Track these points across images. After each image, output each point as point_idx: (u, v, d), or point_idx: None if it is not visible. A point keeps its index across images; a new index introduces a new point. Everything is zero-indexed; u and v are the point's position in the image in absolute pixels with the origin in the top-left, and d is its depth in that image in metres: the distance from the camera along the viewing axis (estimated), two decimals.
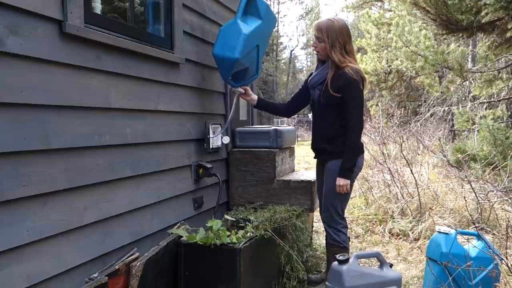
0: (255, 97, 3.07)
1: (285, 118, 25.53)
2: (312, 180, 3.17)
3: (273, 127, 3.39)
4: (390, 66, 11.71)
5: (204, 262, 2.35)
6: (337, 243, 2.77)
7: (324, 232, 3.00)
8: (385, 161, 5.39)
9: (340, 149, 2.71)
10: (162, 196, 2.52)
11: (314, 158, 3.00)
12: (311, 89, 2.88)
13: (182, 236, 2.41)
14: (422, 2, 5.58)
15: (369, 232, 4.50)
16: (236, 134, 3.39)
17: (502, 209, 4.29)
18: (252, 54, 2.84)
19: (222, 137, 3.11)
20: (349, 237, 3.12)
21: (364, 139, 7.36)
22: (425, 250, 2.95)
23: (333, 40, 2.68)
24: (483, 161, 5.33)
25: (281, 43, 38.17)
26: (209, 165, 2.91)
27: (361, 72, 2.72)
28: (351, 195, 5.53)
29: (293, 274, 2.79)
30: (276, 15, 38.85)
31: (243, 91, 3.00)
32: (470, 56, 9.18)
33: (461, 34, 5.67)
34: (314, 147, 2.94)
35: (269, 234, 2.60)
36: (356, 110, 2.69)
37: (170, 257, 2.33)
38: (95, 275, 1.91)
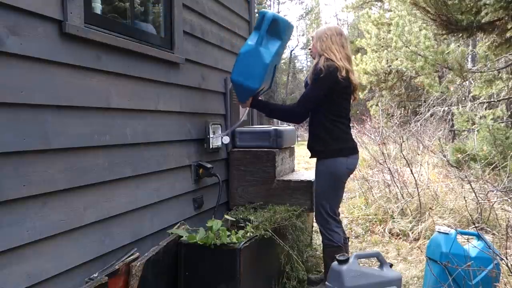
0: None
1: None
2: (312, 180, 3.17)
3: (273, 127, 3.38)
4: (390, 66, 11.70)
5: (204, 262, 2.35)
6: (332, 242, 2.76)
7: None
8: (385, 161, 5.39)
9: (328, 148, 2.71)
10: (162, 196, 2.52)
11: (310, 157, 3.01)
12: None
13: (182, 236, 2.41)
14: (422, 2, 5.57)
15: (369, 232, 4.50)
16: (236, 134, 3.39)
17: (502, 209, 4.29)
18: (270, 74, 2.85)
19: (222, 137, 3.11)
20: (348, 237, 3.12)
21: (364, 139, 7.36)
22: (425, 250, 2.95)
23: (320, 35, 2.78)
24: (483, 161, 5.33)
25: None
26: (209, 165, 2.91)
27: (334, 66, 2.65)
28: (351, 195, 5.57)
29: (293, 274, 2.79)
30: None
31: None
32: (470, 56, 9.17)
33: (461, 34, 5.65)
34: (307, 145, 2.95)
35: (269, 234, 2.60)
36: (305, 95, 2.71)
37: (170, 257, 2.33)
38: (95, 275, 1.91)
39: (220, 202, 3.06)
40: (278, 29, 2.71)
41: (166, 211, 2.57)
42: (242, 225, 2.77)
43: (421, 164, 5.75)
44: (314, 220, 3.17)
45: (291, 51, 40.00)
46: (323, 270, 3.25)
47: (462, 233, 2.83)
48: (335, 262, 2.36)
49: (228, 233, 2.41)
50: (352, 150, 2.79)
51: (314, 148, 2.82)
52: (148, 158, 2.39)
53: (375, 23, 12.32)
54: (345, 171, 2.75)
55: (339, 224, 2.85)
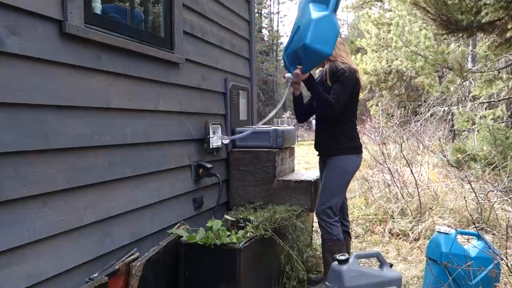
0: (301, 87, 2.94)
1: (285, 119, 25.54)
2: (312, 180, 3.17)
3: (273, 127, 3.38)
4: (390, 66, 11.69)
5: (204, 262, 2.35)
6: (331, 236, 2.80)
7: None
8: (385, 161, 5.38)
9: (343, 146, 2.82)
10: (162, 196, 2.52)
11: (318, 155, 3.06)
12: None
13: (182, 236, 2.41)
14: (422, 2, 5.57)
15: (369, 232, 4.50)
16: (236, 134, 3.39)
17: (502, 209, 4.28)
18: None
19: (222, 137, 3.11)
20: (350, 237, 3.13)
21: (364, 139, 7.36)
22: (425, 250, 2.95)
23: None
24: (483, 161, 5.33)
25: (281, 43, 38.17)
26: (209, 165, 2.91)
27: (353, 68, 2.82)
28: (351, 195, 5.56)
29: (293, 274, 2.79)
30: (276, 15, 38.87)
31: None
32: (470, 56, 9.17)
33: (461, 34, 5.66)
34: (317, 143, 3.00)
35: (269, 234, 2.60)
36: (340, 92, 2.72)
37: (170, 257, 2.33)
38: (95, 275, 1.91)
39: (220, 202, 3.06)
40: (337, 4, 2.65)
41: (166, 211, 2.57)
42: (242, 225, 2.77)
43: (421, 164, 5.75)
44: (316, 220, 3.17)
45: None
46: (323, 270, 3.25)
47: (462, 233, 2.83)
48: (335, 262, 2.36)
49: (228, 233, 2.41)
50: (360, 149, 2.94)
51: (328, 145, 2.89)
52: (148, 158, 2.39)
53: (375, 23, 12.31)
54: (355, 168, 2.90)
55: (339, 220, 2.90)
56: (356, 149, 2.90)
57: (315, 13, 2.55)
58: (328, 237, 2.80)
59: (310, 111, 3.07)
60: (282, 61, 2.86)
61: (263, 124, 3.07)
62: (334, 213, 2.83)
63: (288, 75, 2.81)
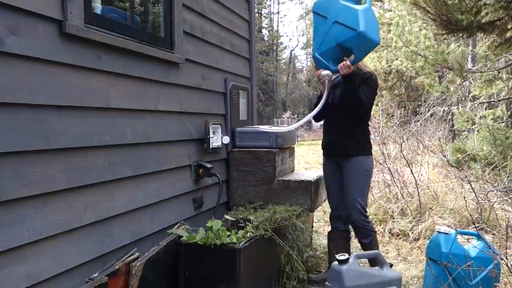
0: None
1: (285, 119, 25.56)
2: (312, 180, 3.17)
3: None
4: (390, 66, 11.68)
5: (204, 262, 2.35)
6: (374, 232, 2.90)
7: (327, 232, 3.01)
8: (385, 161, 5.38)
9: (362, 146, 2.88)
10: (162, 196, 2.52)
11: (328, 155, 3.06)
12: (332, 89, 2.95)
13: (182, 236, 2.41)
14: (422, 2, 5.57)
15: None
16: (236, 134, 3.39)
17: (502, 209, 4.29)
18: None
19: (222, 137, 3.11)
20: (350, 237, 3.13)
21: None
22: (425, 250, 2.96)
23: None
24: (483, 161, 5.33)
25: (281, 43, 38.25)
26: (209, 165, 2.91)
27: (374, 73, 2.92)
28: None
29: (293, 274, 2.79)
30: (276, 15, 38.91)
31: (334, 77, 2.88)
32: (470, 56, 9.17)
33: (461, 34, 5.66)
34: (331, 142, 3.00)
35: (269, 234, 2.60)
36: (369, 93, 2.80)
37: (170, 257, 2.33)
38: (95, 275, 1.91)
39: (220, 202, 3.06)
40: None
41: (166, 211, 2.57)
42: (242, 225, 2.77)
43: (421, 164, 5.75)
44: (316, 220, 3.17)
45: (291, 51, 40.04)
46: (323, 270, 3.26)
47: (462, 233, 2.84)
48: (335, 262, 2.36)
49: (228, 233, 2.41)
50: (371, 150, 3.00)
51: (345, 145, 2.90)
52: (148, 158, 2.39)
53: None
54: (372, 167, 3.01)
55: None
56: (371, 150, 2.98)
57: (356, 6, 2.56)
58: (374, 233, 2.90)
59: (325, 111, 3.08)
60: (314, 61, 2.83)
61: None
62: (366, 211, 2.90)
63: (325, 72, 2.73)
